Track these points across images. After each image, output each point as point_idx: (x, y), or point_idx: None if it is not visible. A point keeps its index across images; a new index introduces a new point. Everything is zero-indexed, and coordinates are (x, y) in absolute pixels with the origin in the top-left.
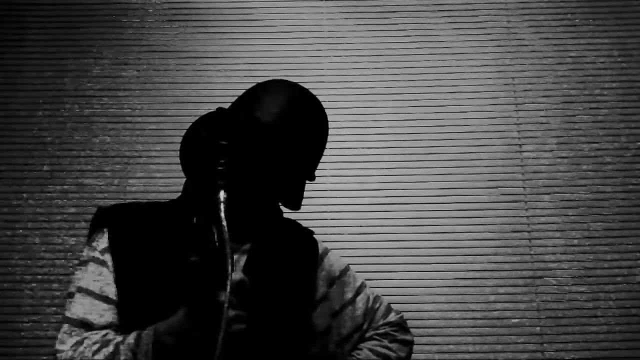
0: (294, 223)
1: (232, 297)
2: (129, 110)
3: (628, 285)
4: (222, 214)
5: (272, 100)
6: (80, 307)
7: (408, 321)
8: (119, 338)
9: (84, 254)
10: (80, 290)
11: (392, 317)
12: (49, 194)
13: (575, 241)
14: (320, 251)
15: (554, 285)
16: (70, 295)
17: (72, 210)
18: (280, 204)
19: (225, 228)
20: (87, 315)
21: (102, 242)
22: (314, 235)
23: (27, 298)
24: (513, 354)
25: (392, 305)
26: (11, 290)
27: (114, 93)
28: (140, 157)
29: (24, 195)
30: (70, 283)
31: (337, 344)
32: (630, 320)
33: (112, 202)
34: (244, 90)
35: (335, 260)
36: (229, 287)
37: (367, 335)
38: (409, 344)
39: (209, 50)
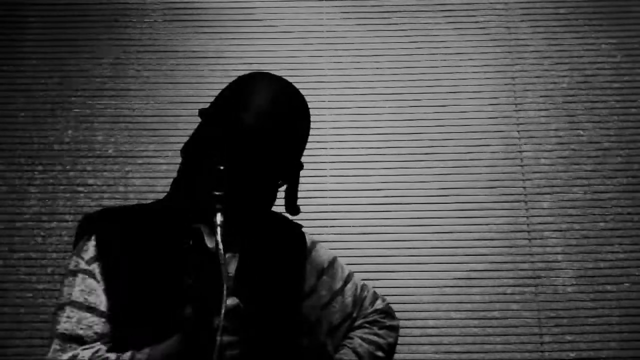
0: (281, 217)
1: (226, 323)
2: (129, 110)
3: (628, 285)
4: (219, 238)
5: (263, 102)
6: (70, 321)
7: (408, 321)
8: (113, 357)
9: (72, 264)
10: (69, 303)
11: (379, 304)
12: (49, 194)
13: (575, 241)
14: (308, 244)
15: (554, 285)
16: (60, 308)
17: (73, 210)
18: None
19: (222, 251)
20: (78, 330)
21: (89, 251)
22: (302, 229)
23: (28, 298)
24: (513, 354)
25: (392, 305)
26: (12, 291)
27: (114, 93)
28: (140, 157)
29: (25, 195)
30: (59, 295)
31: (327, 333)
32: (630, 320)
33: (112, 203)
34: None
35: (323, 253)
36: (222, 313)
37: (357, 323)
38: (396, 329)
39: (209, 50)
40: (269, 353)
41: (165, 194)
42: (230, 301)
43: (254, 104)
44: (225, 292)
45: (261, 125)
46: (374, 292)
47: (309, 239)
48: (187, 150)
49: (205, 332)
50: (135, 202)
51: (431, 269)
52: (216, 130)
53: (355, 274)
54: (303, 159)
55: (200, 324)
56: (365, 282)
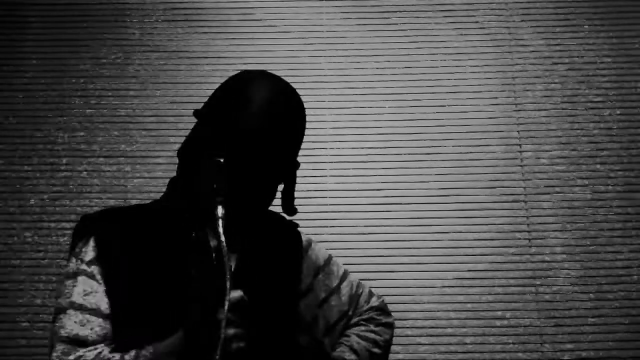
0: (277, 217)
1: (231, 315)
2: (129, 110)
3: (628, 285)
4: (221, 230)
5: (262, 101)
6: (72, 324)
7: (408, 321)
8: (117, 356)
9: (71, 265)
10: (70, 305)
11: (374, 301)
12: (49, 194)
13: (575, 241)
14: (304, 243)
15: (554, 285)
16: (60, 311)
17: (73, 210)
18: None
19: (224, 243)
20: (80, 331)
21: (89, 252)
22: (298, 228)
23: (28, 298)
24: (513, 354)
25: (392, 305)
26: (12, 291)
27: (114, 93)
28: (140, 157)
29: (25, 195)
30: (58, 297)
31: (324, 332)
32: (630, 320)
33: (112, 203)
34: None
35: (319, 252)
36: (227, 305)
37: (353, 321)
38: (392, 326)
39: (209, 50)
40: (271, 350)
41: (162, 194)
42: (235, 294)
43: (253, 103)
44: (228, 285)
45: (261, 125)
46: (370, 290)
47: (304, 238)
48: (184, 151)
49: (209, 326)
50: (134, 202)
51: (431, 269)
52: (214, 130)
53: (355, 273)
54: (302, 159)
55: (204, 317)
56: (361, 280)
